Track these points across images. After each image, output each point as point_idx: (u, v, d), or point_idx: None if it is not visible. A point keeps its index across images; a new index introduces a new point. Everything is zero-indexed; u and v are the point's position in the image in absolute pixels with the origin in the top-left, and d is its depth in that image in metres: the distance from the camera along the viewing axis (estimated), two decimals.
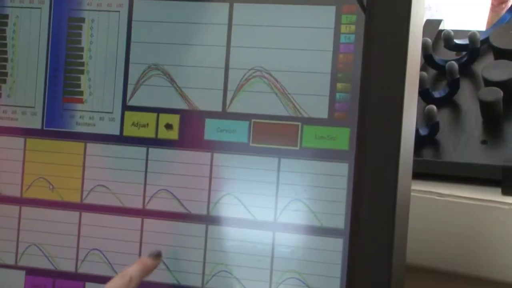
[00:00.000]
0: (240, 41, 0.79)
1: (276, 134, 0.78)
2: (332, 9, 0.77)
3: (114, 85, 0.83)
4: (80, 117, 0.84)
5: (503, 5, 1.24)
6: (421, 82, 0.98)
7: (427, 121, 0.98)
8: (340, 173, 0.77)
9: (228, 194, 0.79)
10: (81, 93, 0.84)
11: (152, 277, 0.81)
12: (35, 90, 0.85)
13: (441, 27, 1.13)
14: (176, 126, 0.81)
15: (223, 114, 0.80)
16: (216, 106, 0.80)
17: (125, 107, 0.83)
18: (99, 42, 0.84)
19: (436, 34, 1.11)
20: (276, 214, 0.78)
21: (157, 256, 0.79)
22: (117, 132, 0.83)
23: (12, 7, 0.86)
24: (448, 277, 0.93)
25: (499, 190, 0.92)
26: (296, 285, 0.77)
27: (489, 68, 1.01)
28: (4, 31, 0.87)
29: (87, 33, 0.84)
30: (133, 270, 0.77)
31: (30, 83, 0.86)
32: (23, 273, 0.86)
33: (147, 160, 0.82)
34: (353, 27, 0.77)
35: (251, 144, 0.79)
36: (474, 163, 0.94)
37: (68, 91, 0.85)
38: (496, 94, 0.97)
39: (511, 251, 0.89)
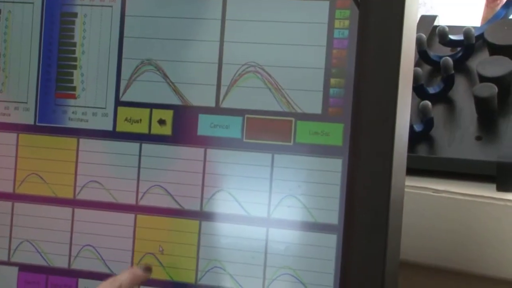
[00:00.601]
0: (233, 36, 0.79)
1: (269, 130, 0.78)
2: (326, 4, 0.77)
3: (107, 81, 0.83)
4: (73, 112, 0.84)
5: (498, 1, 1.24)
6: (416, 78, 0.98)
7: (422, 117, 0.98)
8: (334, 169, 0.76)
9: (221, 190, 0.79)
10: (74, 88, 0.84)
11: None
12: (28, 86, 0.85)
13: (435, 23, 1.13)
14: (169, 122, 0.81)
15: (217, 110, 0.79)
16: (209, 101, 0.80)
17: (118, 103, 0.82)
18: (92, 37, 0.83)
19: (431, 30, 1.11)
20: (270, 210, 0.78)
21: (147, 269, 0.79)
22: (110, 128, 0.82)
23: (4, 1, 0.86)
24: (442, 273, 0.93)
25: (494, 186, 0.92)
26: (290, 281, 0.77)
27: (484, 64, 1.01)
28: None
29: (80, 28, 0.84)
30: (123, 278, 0.77)
31: (22, 79, 0.85)
32: (16, 269, 0.85)
33: (140, 155, 0.81)
34: (347, 22, 0.77)
35: (244, 140, 0.79)
36: (469, 159, 0.94)
37: (61, 86, 0.84)
38: (491, 90, 0.97)
39: (505, 247, 0.89)
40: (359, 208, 0.75)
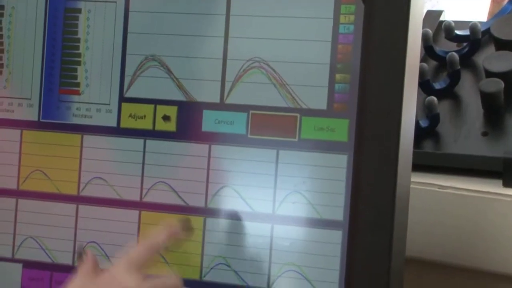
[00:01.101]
0: (238, 32, 0.79)
1: (274, 126, 0.78)
2: None
3: (111, 77, 0.82)
4: (77, 108, 0.83)
5: None
6: (422, 73, 0.98)
7: (428, 112, 0.97)
8: (339, 165, 0.76)
9: (226, 186, 0.79)
10: (78, 84, 0.84)
11: (151, 270, 0.80)
12: (32, 82, 0.85)
13: (441, 18, 1.12)
14: (173, 118, 0.80)
15: (221, 106, 0.79)
16: (214, 97, 0.79)
17: (122, 99, 0.82)
18: (95, 33, 0.83)
19: (437, 25, 1.11)
20: (275, 206, 0.78)
21: (188, 229, 0.75)
22: (114, 124, 0.82)
23: None
24: (448, 269, 0.92)
25: (500, 182, 0.91)
26: (295, 278, 0.77)
27: (490, 59, 1.00)
28: (0, 22, 0.86)
29: (84, 24, 0.83)
30: (149, 242, 0.73)
31: (26, 75, 0.85)
32: (20, 266, 0.85)
33: (144, 152, 0.81)
34: (352, 17, 0.76)
35: (249, 136, 0.78)
36: (475, 155, 0.94)
37: (65, 82, 0.84)
38: (497, 85, 0.96)
39: (511, 243, 0.88)
40: (364, 204, 0.74)
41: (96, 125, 0.83)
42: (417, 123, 0.94)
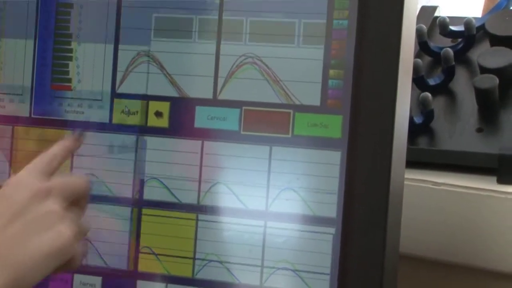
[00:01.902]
0: (231, 28, 0.78)
1: (267, 122, 0.77)
2: None
3: (103, 72, 0.82)
4: (69, 104, 0.83)
5: None
6: (416, 69, 0.97)
7: (422, 108, 0.97)
8: (332, 162, 0.76)
9: (218, 183, 0.78)
10: (70, 80, 0.83)
11: (143, 268, 0.80)
12: (23, 77, 0.84)
13: (436, 13, 1.12)
14: (166, 114, 0.80)
15: (214, 102, 0.79)
16: (206, 93, 0.79)
17: (114, 95, 0.82)
18: (88, 29, 0.82)
19: (432, 21, 1.10)
20: (268, 203, 0.77)
21: (80, 136, 0.75)
22: (106, 120, 0.82)
23: None
24: (442, 266, 0.92)
25: (495, 178, 0.91)
26: (288, 275, 0.76)
27: (485, 55, 1.00)
28: None
29: (76, 19, 0.83)
30: (55, 148, 0.72)
31: (17, 70, 0.84)
32: None
33: (136, 148, 0.81)
34: (346, 13, 0.76)
35: (242, 132, 0.78)
36: (470, 151, 0.94)
37: (57, 78, 0.84)
38: (492, 81, 0.96)
39: (505, 240, 0.88)
40: (358, 201, 0.74)
41: (88, 121, 0.82)
42: (411, 119, 0.94)
